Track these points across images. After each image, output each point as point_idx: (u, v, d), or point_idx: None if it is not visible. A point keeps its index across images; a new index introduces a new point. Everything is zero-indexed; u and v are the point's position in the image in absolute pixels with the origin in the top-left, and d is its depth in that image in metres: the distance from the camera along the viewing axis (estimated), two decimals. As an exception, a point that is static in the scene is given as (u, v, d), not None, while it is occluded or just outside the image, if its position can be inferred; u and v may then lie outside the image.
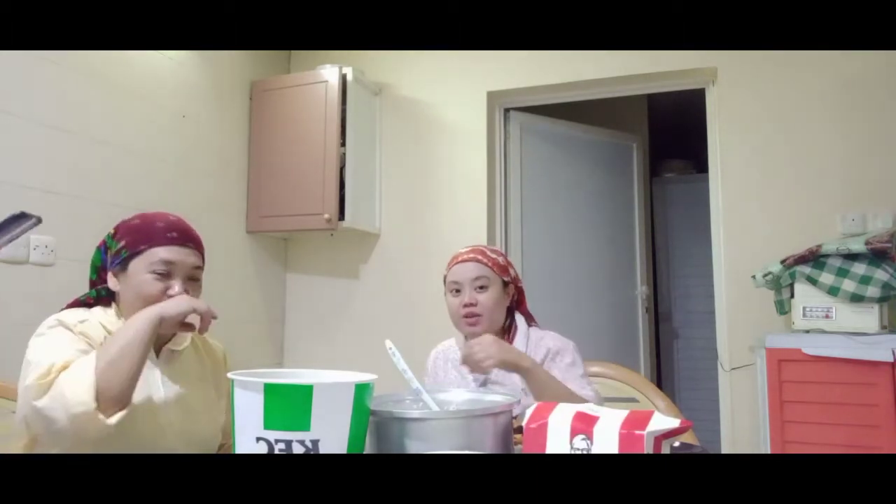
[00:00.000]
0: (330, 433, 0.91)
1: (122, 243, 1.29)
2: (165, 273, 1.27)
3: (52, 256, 2.29)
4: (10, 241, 1.18)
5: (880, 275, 2.31)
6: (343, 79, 3.16)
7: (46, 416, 1.08)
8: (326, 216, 3.08)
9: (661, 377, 4.56)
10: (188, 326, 1.25)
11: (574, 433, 0.89)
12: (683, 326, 4.68)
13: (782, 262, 2.48)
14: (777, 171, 2.81)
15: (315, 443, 0.89)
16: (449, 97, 3.34)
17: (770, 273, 2.49)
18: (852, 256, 2.37)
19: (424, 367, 1.76)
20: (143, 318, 1.17)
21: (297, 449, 0.89)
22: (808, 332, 2.42)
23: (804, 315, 2.43)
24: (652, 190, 4.66)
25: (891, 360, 2.20)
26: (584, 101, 3.38)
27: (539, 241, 3.51)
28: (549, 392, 1.40)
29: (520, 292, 1.72)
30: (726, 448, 2.81)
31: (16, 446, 1.24)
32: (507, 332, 1.66)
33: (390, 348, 1.14)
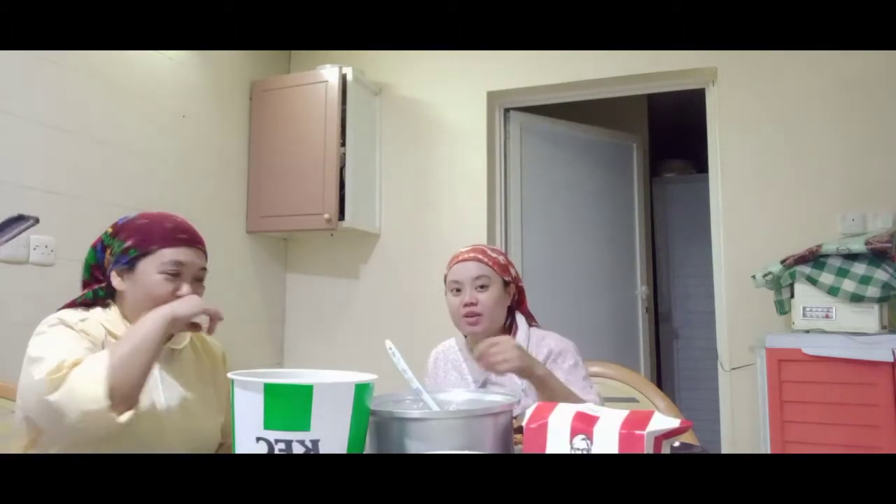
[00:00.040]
0: (330, 433, 0.91)
1: (130, 242, 1.28)
2: (175, 274, 1.28)
3: (52, 256, 2.29)
4: (7, 241, 1.18)
5: (880, 275, 2.31)
6: (343, 79, 3.16)
7: (58, 410, 1.08)
8: (326, 216, 3.08)
9: (661, 377, 4.56)
10: (195, 326, 1.27)
11: (574, 433, 0.89)
12: (683, 326, 4.68)
13: (782, 262, 2.48)
14: (777, 171, 2.81)
15: (315, 443, 0.90)
16: (449, 97, 3.34)
17: (770, 273, 2.49)
18: (852, 256, 2.37)
19: (424, 368, 1.76)
20: (156, 318, 1.18)
21: (297, 449, 0.89)
22: (808, 332, 2.42)
23: (804, 315, 2.43)
24: (652, 190, 4.66)
25: (891, 360, 2.20)
26: (584, 101, 3.38)
27: (539, 241, 3.51)
28: (559, 401, 1.39)
29: (520, 292, 1.72)
30: (726, 448, 2.81)
31: (16, 446, 1.24)
32: (507, 331, 1.66)
33: (390, 348, 1.14)
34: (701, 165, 3.70)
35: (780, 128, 2.82)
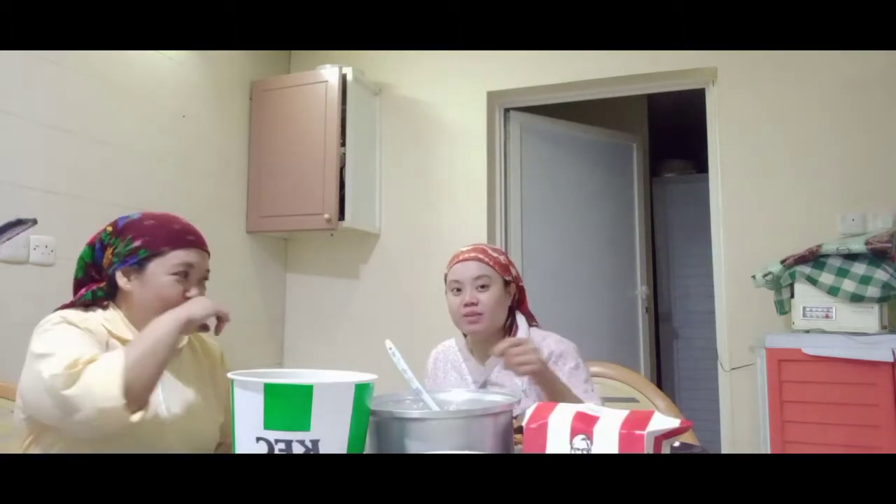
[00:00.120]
0: (330, 433, 0.91)
1: (139, 243, 1.29)
2: (184, 276, 1.29)
3: (52, 256, 2.29)
4: (4, 242, 1.19)
5: (880, 275, 2.31)
6: (343, 79, 3.16)
7: (73, 405, 1.08)
8: (326, 216, 3.08)
9: (661, 377, 4.56)
10: (204, 327, 1.28)
11: (574, 433, 0.89)
12: (683, 326, 4.68)
13: (782, 262, 2.48)
14: (777, 171, 2.81)
15: (315, 443, 0.90)
16: (449, 97, 3.34)
17: (770, 273, 2.49)
18: (852, 256, 2.37)
19: (424, 368, 1.76)
20: (171, 320, 1.19)
21: (297, 449, 0.89)
22: (808, 332, 2.42)
23: (804, 315, 2.43)
24: (652, 190, 4.66)
25: (891, 360, 2.20)
26: (584, 101, 3.38)
27: (539, 241, 3.51)
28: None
29: (521, 292, 1.71)
30: (726, 448, 2.81)
31: (16, 446, 1.24)
32: (507, 331, 1.66)
33: (390, 348, 1.14)
34: (701, 165, 3.70)
35: (780, 128, 2.82)
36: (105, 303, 1.32)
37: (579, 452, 0.88)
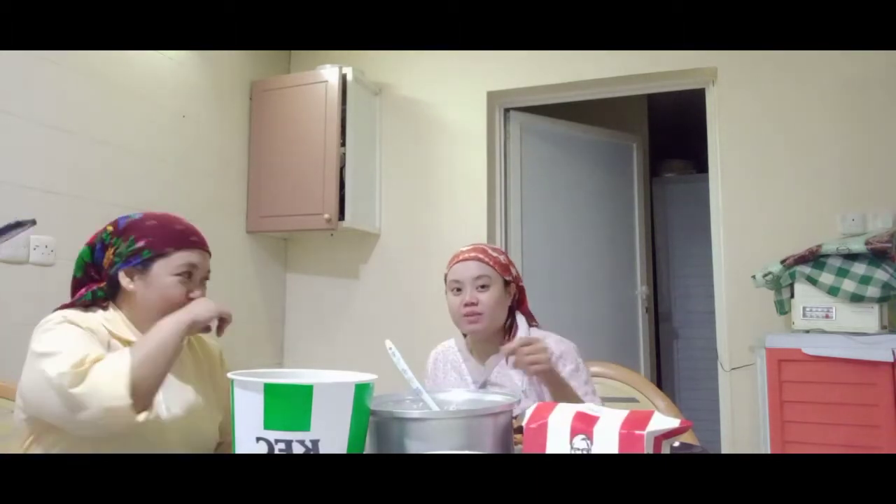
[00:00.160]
0: (330, 433, 0.91)
1: (143, 243, 1.29)
2: (188, 276, 1.30)
3: (52, 256, 2.29)
4: (3, 242, 1.19)
5: (880, 275, 2.31)
6: (343, 79, 3.16)
7: (80, 403, 1.09)
8: (326, 216, 3.08)
9: (661, 377, 4.56)
10: (205, 328, 1.28)
11: (574, 433, 0.89)
12: (683, 326, 4.68)
13: (782, 262, 2.48)
14: (777, 171, 2.81)
15: (315, 443, 0.90)
16: (449, 97, 3.34)
17: (770, 273, 2.49)
18: (852, 256, 2.37)
19: (424, 368, 1.75)
20: (177, 322, 1.20)
21: (297, 449, 0.89)
22: (808, 332, 2.42)
23: (804, 315, 2.43)
24: (652, 190, 4.66)
25: (891, 360, 2.20)
26: (584, 101, 3.38)
27: (539, 241, 3.50)
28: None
29: (521, 291, 1.71)
30: (726, 448, 2.81)
31: (16, 446, 1.24)
32: (507, 331, 1.66)
33: (390, 348, 1.14)
34: (701, 165, 3.70)
35: (780, 128, 2.82)
36: (105, 303, 1.32)
37: (579, 452, 0.88)
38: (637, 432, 0.85)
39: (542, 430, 0.92)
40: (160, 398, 1.26)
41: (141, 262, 1.28)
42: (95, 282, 1.33)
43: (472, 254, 1.63)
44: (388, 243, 3.39)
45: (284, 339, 3.54)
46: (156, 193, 2.73)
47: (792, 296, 2.48)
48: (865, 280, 2.32)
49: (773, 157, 2.82)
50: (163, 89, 2.83)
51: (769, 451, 2.38)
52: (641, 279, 3.91)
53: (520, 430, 0.97)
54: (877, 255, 2.33)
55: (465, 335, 1.70)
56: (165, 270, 1.28)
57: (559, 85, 3.21)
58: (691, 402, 4.34)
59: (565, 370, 1.56)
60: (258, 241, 3.37)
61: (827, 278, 2.38)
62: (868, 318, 2.32)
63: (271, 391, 0.90)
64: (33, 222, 1.30)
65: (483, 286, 1.59)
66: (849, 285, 2.33)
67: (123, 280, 1.30)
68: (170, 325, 1.20)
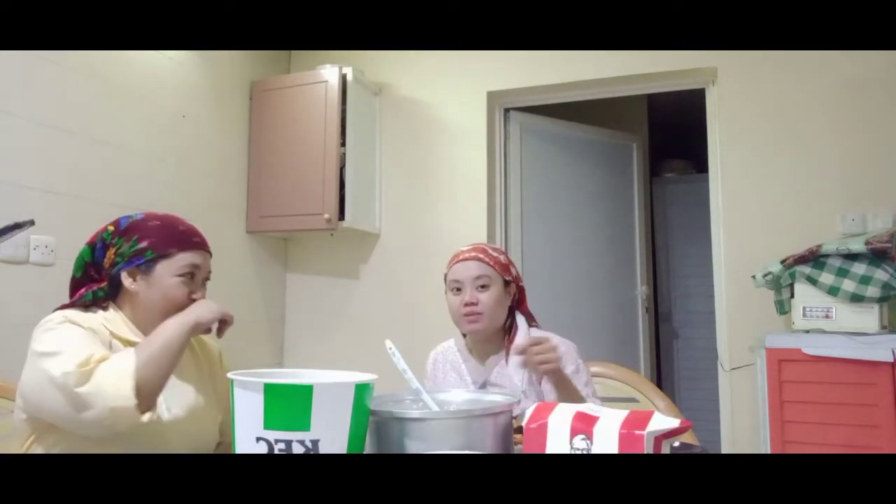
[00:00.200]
0: (330, 433, 0.91)
1: (145, 244, 1.29)
2: (191, 277, 1.31)
3: (52, 256, 2.29)
4: (2, 243, 1.19)
5: (880, 275, 2.31)
6: (343, 79, 3.16)
7: (85, 402, 1.09)
8: (326, 216, 3.08)
9: (661, 377, 4.56)
10: (207, 330, 1.29)
11: (574, 433, 0.89)
12: (683, 326, 4.68)
13: (782, 262, 2.48)
14: (777, 171, 2.81)
15: (315, 443, 0.90)
16: (449, 97, 3.34)
17: (770, 273, 2.49)
18: (852, 256, 2.37)
19: (424, 368, 1.75)
20: (181, 323, 1.21)
21: (297, 449, 0.89)
22: (808, 332, 2.42)
23: (804, 315, 2.43)
24: (652, 190, 4.66)
25: (891, 360, 2.20)
26: (584, 101, 3.38)
27: (539, 241, 3.50)
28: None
29: (521, 291, 1.71)
30: (726, 448, 2.81)
31: (16, 446, 1.24)
32: (507, 331, 1.66)
33: (390, 348, 1.14)
34: (701, 165, 3.70)
35: (779, 128, 2.82)
36: (105, 303, 1.32)
37: (579, 452, 0.88)
38: (637, 432, 0.85)
39: (542, 430, 0.92)
40: (161, 399, 1.26)
41: (144, 263, 1.28)
42: (95, 282, 1.32)
43: (472, 254, 1.63)
44: (388, 243, 3.39)
45: (284, 339, 3.54)
46: (156, 193, 2.73)
47: (792, 296, 2.48)
48: (865, 280, 2.32)
49: (773, 157, 2.82)
50: (163, 89, 2.83)
51: (769, 451, 2.38)
52: (641, 279, 3.91)
53: (520, 430, 0.97)
54: (877, 255, 2.33)
55: (464, 335, 1.70)
56: (168, 271, 1.28)
57: (559, 85, 3.21)
58: (691, 402, 4.34)
59: (566, 371, 1.56)
60: (258, 241, 3.37)
61: (827, 278, 2.38)
62: (868, 318, 2.32)
63: (271, 391, 0.90)
64: (32, 223, 1.30)
65: (483, 286, 1.59)
66: (849, 285, 2.33)
67: (126, 280, 1.29)
68: (174, 326, 1.20)
